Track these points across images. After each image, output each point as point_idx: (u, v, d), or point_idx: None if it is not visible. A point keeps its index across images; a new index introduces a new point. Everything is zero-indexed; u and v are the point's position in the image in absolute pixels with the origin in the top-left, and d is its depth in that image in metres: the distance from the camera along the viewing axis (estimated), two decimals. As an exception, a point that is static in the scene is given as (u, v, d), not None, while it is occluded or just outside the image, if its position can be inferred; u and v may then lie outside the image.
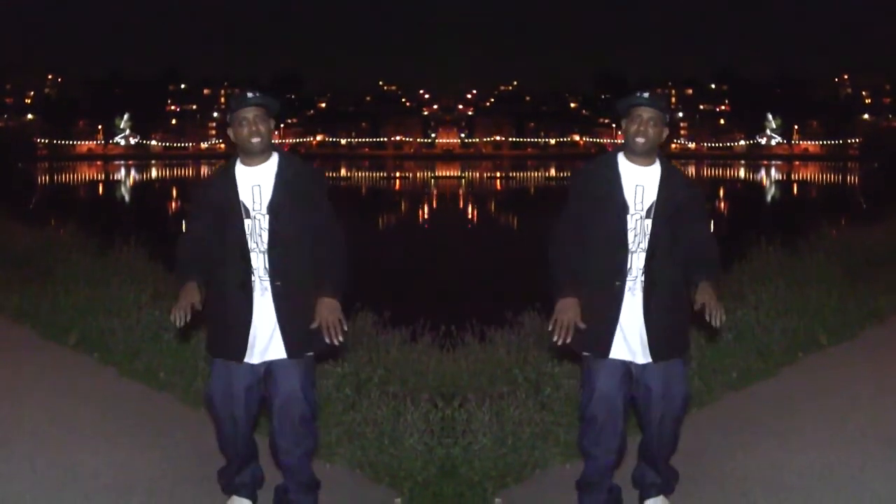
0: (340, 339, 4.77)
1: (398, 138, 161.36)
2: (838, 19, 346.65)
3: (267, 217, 4.86)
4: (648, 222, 4.87)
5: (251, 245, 4.86)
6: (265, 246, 4.86)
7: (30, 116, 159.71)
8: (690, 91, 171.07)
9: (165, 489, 5.59)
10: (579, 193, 5.03)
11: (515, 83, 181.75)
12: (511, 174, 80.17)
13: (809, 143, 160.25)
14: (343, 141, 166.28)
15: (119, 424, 6.78)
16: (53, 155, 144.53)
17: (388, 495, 5.59)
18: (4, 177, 66.31)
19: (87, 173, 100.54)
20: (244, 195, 4.88)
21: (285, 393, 4.91)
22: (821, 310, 9.96)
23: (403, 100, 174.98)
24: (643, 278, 4.87)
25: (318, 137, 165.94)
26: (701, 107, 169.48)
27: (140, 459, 6.05)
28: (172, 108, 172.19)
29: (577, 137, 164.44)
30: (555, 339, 4.75)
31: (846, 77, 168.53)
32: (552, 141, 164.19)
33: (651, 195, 4.89)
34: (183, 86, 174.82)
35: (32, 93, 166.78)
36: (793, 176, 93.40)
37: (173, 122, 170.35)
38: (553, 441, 6.25)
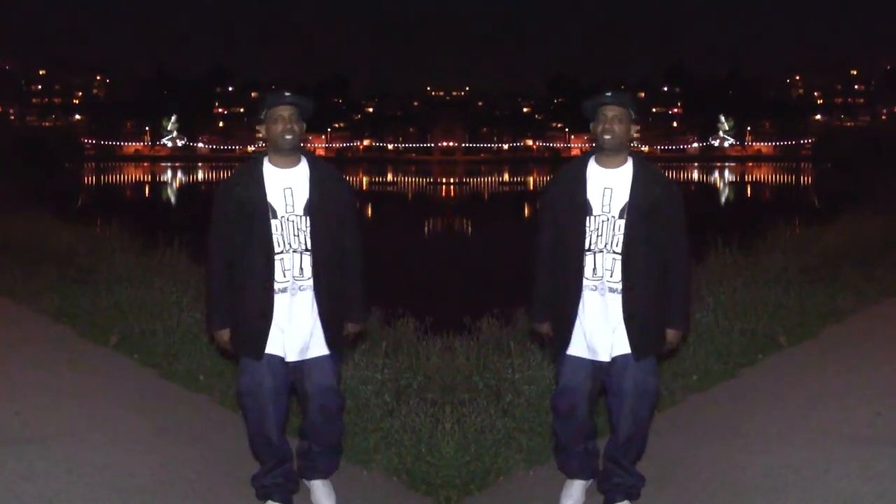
0: None
1: (445, 144, 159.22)
2: (788, 19, 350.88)
3: (304, 218, 5.02)
4: (622, 223, 4.94)
5: (281, 247, 4.98)
6: (303, 247, 5.02)
7: (77, 117, 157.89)
8: (643, 94, 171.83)
9: (200, 491, 5.57)
10: (550, 200, 5.19)
11: (468, 88, 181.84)
12: (465, 180, 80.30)
13: (762, 144, 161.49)
14: (390, 146, 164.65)
15: (156, 426, 6.76)
16: (100, 155, 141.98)
17: (424, 503, 5.55)
18: (51, 177, 65.49)
19: (133, 174, 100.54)
20: (273, 196, 5.00)
21: (323, 388, 5.14)
22: (779, 310, 10.00)
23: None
24: (617, 280, 4.97)
25: (366, 142, 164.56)
26: (654, 110, 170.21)
27: (176, 461, 6.03)
28: (220, 110, 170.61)
29: (530, 142, 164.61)
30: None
31: (798, 77, 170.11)
32: (505, 146, 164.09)
33: (623, 196, 4.96)
34: (230, 88, 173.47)
35: (80, 93, 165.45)
36: (747, 177, 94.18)
37: (220, 124, 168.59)
38: (516, 447, 6.20)
